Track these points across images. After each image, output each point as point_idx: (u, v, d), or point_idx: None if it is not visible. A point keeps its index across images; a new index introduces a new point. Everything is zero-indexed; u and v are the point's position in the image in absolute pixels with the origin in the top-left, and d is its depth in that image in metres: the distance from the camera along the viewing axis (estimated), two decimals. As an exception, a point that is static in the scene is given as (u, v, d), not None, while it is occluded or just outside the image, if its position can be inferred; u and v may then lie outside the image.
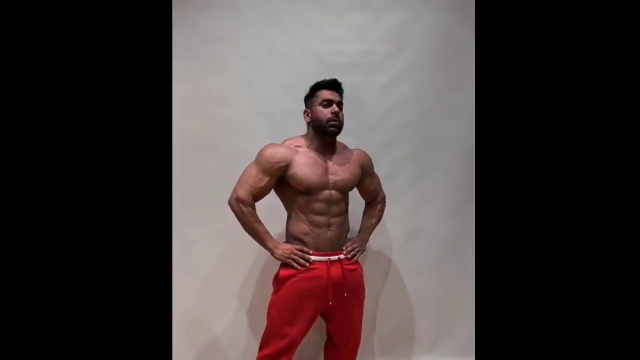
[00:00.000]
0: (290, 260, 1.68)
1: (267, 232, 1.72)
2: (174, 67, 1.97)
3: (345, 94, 1.86)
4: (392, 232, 2.23)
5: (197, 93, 2.14)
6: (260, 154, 1.72)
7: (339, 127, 1.75)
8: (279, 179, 1.73)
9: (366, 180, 1.90)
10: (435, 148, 2.27)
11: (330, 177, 1.75)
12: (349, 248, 1.79)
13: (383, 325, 2.29)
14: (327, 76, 1.84)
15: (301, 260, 1.67)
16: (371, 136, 2.21)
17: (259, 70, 2.17)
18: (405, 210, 2.26)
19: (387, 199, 2.04)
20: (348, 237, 1.86)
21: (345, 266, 1.75)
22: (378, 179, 1.98)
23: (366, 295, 1.87)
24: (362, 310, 1.86)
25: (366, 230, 1.94)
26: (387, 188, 2.13)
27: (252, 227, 1.70)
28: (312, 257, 1.71)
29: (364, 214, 1.99)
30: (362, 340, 1.89)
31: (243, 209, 1.69)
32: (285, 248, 1.69)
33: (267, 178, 1.71)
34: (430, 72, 2.24)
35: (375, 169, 1.99)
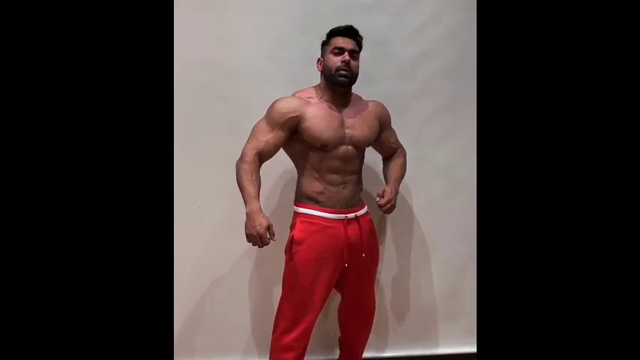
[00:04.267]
0: (249, 233, 1.52)
1: (254, 195, 1.55)
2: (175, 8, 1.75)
3: (370, 36, 1.77)
4: (426, 191, 2.06)
5: (199, 36, 1.93)
6: (269, 107, 1.65)
7: (349, 78, 1.66)
8: (291, 135, 1.65)
9: (383, 134, 1.81)
10: (474, 97, 1.99)
11: (347, 131, 1.67)
12: (385, 199, 1.67)
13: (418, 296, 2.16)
14: (349, 17, 1.75)
15: (259, 242, 1.51)
16: (400, 83, 2.04)
17: (270, 8, 1.97)
18: (439, 167, 2.10)
19: (419, 154, 1.96)
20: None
21: (362, 225, 1.70)
22: (395, 132, 1.87)
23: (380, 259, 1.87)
24: (376, 270, 1.86)
25: (397, 180, 1.80)
26: (419, 143, 2.04)
27: (242, 185, 1.56)
28: (329, 215, 1.65)
29: (388, 165, 1.86)
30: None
31: (240, 165, 1.59)
32: (256, 220, 1.51)
33: (276, 131, 1.62)
34: (468, 12, 1.99)
35: (405, 121, 1.89)
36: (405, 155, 1.88)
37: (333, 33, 1.68)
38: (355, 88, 1.75)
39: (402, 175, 1.83)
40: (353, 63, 1.65)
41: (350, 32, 1.67)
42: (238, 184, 1.57)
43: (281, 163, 1.77)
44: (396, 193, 1.75)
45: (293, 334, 1.63)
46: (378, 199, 1.69)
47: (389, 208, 1.68)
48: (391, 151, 1.86)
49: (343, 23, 1.70)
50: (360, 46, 1.71)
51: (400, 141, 1.89)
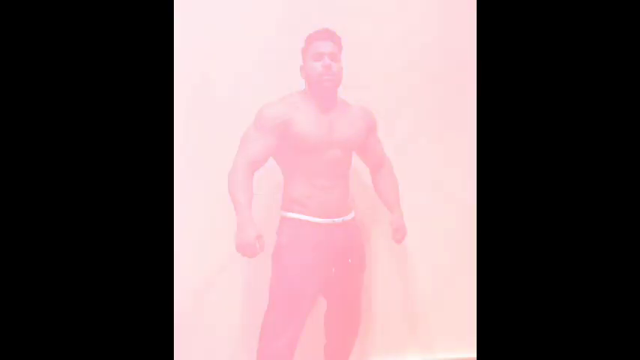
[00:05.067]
0: (240, 244, 1.50)
1: (245, 205, 1.52)
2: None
3: (357, 42, 1.79)
4: (415, 197, 2.02)
5: (195, 41, 1.92)
6: (257, 115, 1.62)
7: (333, 81, 1.63)
8: (279, 141, 1.63)
9: (369, 139, 1.79)
10: (463, 102, 2.06)
11: (335, 135, 1.66)
12: (399, 236, 1.78)
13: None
14: (342, 22, 1.77)
15: (247, 253, 1.50)
16: (387, 90, 2.04)
17: (260, 12, 1.96)
18: (428, 174, 2.10)
19: (407, 161, 1.96)
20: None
21: (349, 230, 1.70)
22: (380, 140, 1.86)
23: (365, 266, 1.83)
24: (362, 276, 1.82)
25: (397, 204, 1.83)
26: (407, 149, 2.04)
27: (234, 196, 1.54)
28: (316, 220, 1.63)
29: (381, 183, 1.86)
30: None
31: (232, 176, 1.56)
32: (247, 231, 1.49)
33: (266, 139, 1.60)
34: (459, 14, 2.02)
35: (392, 127, 1.90)
36: (392, 169, 1.87)
37: (311, 38, 1.65)
38: (342, 94, 1.74)
39: (398, 193, 1.84)
40: (334, 66, 1.62)
41: (327, 35, 1.64)
42: (230, 195, 1.54)
43: (265, 165, 1.74)
44: (402, 217, 1.80)
45: (280, 342, 1.60)
46: (395, 236, 1.78)
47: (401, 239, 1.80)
48: (376, 160, 1.85)
49: (336, 28, 1.67)
50: (339, 47, 1.67)
51: (388, 147, 1.88)
